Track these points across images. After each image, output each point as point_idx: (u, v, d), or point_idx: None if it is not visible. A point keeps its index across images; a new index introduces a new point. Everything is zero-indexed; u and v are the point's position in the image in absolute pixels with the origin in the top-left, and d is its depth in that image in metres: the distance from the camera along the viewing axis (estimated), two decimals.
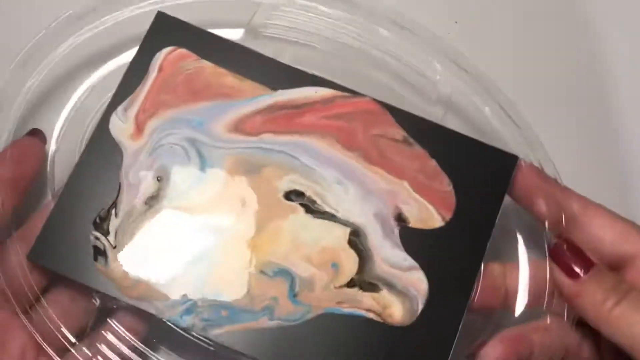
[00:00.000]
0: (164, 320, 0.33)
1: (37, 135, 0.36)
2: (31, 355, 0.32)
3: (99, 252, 0.33)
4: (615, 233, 0.34)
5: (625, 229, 0.34)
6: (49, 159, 0.35)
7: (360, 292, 0.34)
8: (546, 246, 0.34)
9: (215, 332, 0.33)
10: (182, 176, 0.35)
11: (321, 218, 0.34)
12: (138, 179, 0.34)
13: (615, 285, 0.32)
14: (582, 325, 0.34)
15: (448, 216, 0.35)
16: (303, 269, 0.34)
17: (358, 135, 0.35)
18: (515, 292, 0.35)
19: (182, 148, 0.35)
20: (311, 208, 0.35)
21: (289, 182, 0.35)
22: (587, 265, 0.33)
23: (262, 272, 0.34)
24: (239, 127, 0.35)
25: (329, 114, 0.36)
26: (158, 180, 0.34)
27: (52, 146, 0.36)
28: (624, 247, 0.34)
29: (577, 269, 0.33)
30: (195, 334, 0.33)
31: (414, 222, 0.34)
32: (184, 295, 0.33)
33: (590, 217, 0.35)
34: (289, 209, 0.34)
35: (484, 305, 0.35)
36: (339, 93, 0.36)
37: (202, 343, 0.33)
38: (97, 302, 0.33)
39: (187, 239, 0.34)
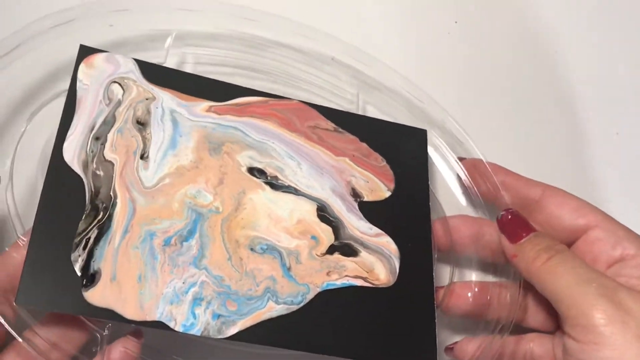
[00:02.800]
0: (178, 333, 0.31)
1: None
2: None
3: (87, 280, 0.31)
4: (572, 209, 0.38)
5: (580, 205, 0.38)
6: (7, 199, 0.32)
7: (342, 257, 0.35)
8: (495, 219, 0.38)
9: (232, 331, 0.32)
10: (159, 136, 0.35)
11: (287, 192, 0.36)
12: None
13: (549, 246, 0.35)
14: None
15: (391, 186, 0.38)
16: (287, 241, 0.35)
17: (295, 124, 0.38)
18: (461, 240, 0.39)
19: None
20: (275, 184, 0.36)
21: (248, 159, 0.36)
22: (527, 230, 0.36)
23: (252, 249, 0.34)
24: (212, 109, 0.37)
25: (266, 109, 0.38)
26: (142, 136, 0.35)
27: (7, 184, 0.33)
28: (578, 221, 0.37)
29: (519, 234, 0.36)
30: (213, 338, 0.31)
31: (367, 195, 0.38)
32: (185, 281, 0.32)
33: (549, 197, 0.38)
34: (256, 184, 0.36)
35: (440, 249, 0.39)
36: (271, 98, 0.39)
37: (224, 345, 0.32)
38: (106, 332, 0.30)
39: (171, 229, 0.33)
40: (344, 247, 0.36)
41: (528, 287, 0.37)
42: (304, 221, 0.36)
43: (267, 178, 0.36)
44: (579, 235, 0.37)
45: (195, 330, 0.31)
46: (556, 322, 0.38)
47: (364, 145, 0.39)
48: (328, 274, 0.35)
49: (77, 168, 0.33)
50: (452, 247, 0.39)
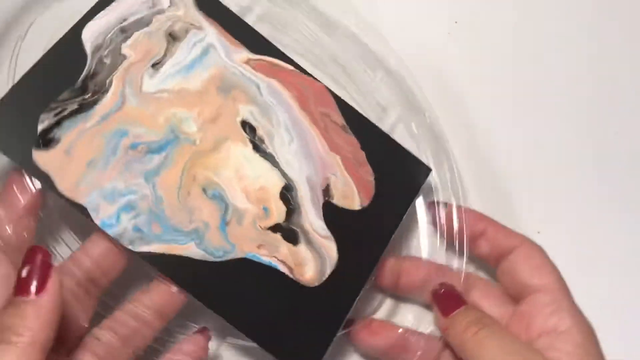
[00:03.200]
0: (97, 223, 0.33)
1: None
2: None
3: (43, 142, 0.33)
4: (532, 267, 0.38)
5: (541, 265, 0.38)
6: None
7: (281, 239, 0.36)
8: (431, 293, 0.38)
9: (143, 249, 0.33)
10: (181, 55, 0.37)
11: (264, 158, 0.37)
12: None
13: (478, 318, 0.36)
14: None
15: (366, 202, 0.38)
16: (240, 200, 0.36)
17: (310, 103, 0.39)
18: (408, 284, 0.39)
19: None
20: (259, 147, 0.37)
21: (247, 112, 0.37)
22: (459, 303, 0.37)
23: (204, 190, 0.35)
24: (250, 62, 0.38)
25: (292, 78, 0.39)
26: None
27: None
28: (530, 280, 0.37)
29: (451, 307, 0.37)
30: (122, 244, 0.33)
31: (337, 199, 0.38)
32: (127, 186, 0.34)
33: (519, 250, 0.38)
34: (242, 137, 0.37)
35: (380, 284, 0.39)
36: (301, 72, 0.40)
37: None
38: (34, 189, 0.32)
39: (144, 137, 0.35)
40: (288, 231, 0.36)
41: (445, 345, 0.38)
42: (265, 191, 0.36)
43: (254, 137, 0.37)
44: (528, 294, 0.37)
45: (111, 231, 0.33)
46: None
47: (362, 153, 0.39)
48: (259, 246, 0.35)
49: (88, 48, 0.35)
50: (396, 289, 0.40)
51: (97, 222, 0.33)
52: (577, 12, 0.48)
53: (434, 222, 0.40)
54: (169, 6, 0.37)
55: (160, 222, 0.34)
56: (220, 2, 0.39)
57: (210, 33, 0.38)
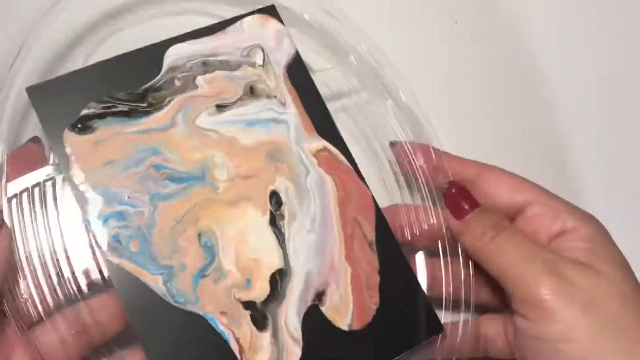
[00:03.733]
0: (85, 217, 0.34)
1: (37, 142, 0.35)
2: None
3: (80, 126, 0.35)
4: (508, 187, 0.37)
5: (516, 183, 0.37)
6: None
7: (248, 318, 0.34)
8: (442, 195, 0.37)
9: (112, 260, 0.33)
10: (248, 109, 0.38)
11: (275, 234, 0.36)
12: None
13: (495, 222, 0.35)
14: None
15: (356, 327, 0.36)
16: (228, 261, 0.35)
17: (349, 206, 0.37)
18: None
19: None
20: (275, 221, 0.36)
21: (283, 186, 0.37)
22: (473, 205, 0.36)
23: (199, 235, 0.35)
24: (318, 155, 0.38)
25: (346, 177, 0.38)
26: None
27: None
28: (515, 198, 0.37)
29: (464, 209, 0.36)
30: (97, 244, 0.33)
31: (327, 308, 0.36)
32: (130, 199, 0.34)
33: (485, 176, 0.37)
34: (265, 205, 0.36)
35: None
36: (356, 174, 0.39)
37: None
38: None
39: (173, 165, 0.35)
40: (260, 314, 0.34)
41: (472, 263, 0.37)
42: (258, 264, 0.35)
43: (276, 211, 0.36)
44: (518, 213, 0.37)
45: (91, 228, 0.33)
46: (503, 298, 0.37)
47: (377, 278, 0.37)
48: (222, 313, 0.34)
49: (165, 65, 0.37)
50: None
51: (84, 216, 0.33)
52: (577, 12, 0.48)
53: (398, 161, 0.39)
54: (262, 68, 0.38)
55: (142, 243, 0.34)
56: (312, 83, 0.39)
57: (291, 113, 0.38)
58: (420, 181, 0.39)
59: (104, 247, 0.33)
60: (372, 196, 0.38)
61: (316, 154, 0.38)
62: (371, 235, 0.37)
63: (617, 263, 0.34)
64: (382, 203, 0.39)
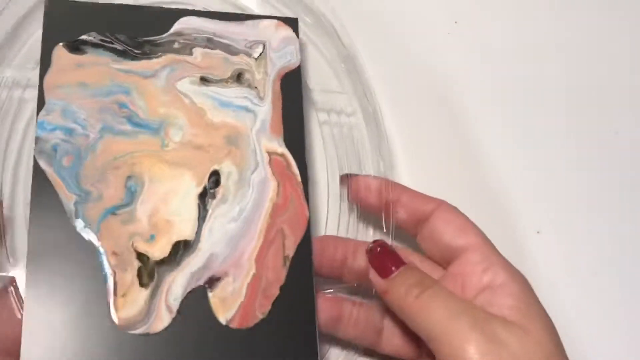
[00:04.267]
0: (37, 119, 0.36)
1: None
2: None
3: (74, 46, 0.38)
4: (454, 228, 0.37)
5: (462, 225, 0.37)
6: None
7: (136, 268, 0.35)
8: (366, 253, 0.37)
9: (41, 163, 0.36)
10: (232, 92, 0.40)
11: (198, 209, 0.37)
12: None
13: (420, 280, 0.35)
14: None
15: (233, 326, 0.35)
16: (143, 212, 0.36)
17: (279, 217, 0.38)
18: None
19: None
20: (205, 198, 0.37)
21: (227, 170, 0.37)
22: (397, 264, 0.36)
23: (129, 177, 0.36)
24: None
25: (292, 191, 0.39)
26: None
27: None
28: (457, 241, 0.37)
29: (389, 268, 0.36)
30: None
31: (214, 295, 0.35)
32: (84, 120, 0.37)
33: (438, 213, 0.37)
34: (202, 179, 0.37)
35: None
36: (303, 191, 0.39)
37: None
38: None
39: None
40: (148, 272, 0.35)
41: (386, 310, 0.37)
42: (169, 226, 0.36)
43: (210, 188, 0.37)
44: (456, 256, 0.37)
45: (38, 132, 0.36)
46: (414, 350, 0.37)
47: (278, 292, 0.36)
48: (114, 253, 0.35)
49: (172, 29, 0.40)
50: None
51: (39, 118, 0.36)
52: (578, 12, 0.48)
53: (348, 195, 0.40)
54: (256, 59, 0.40)
55: (74, 161, 0.36)
56: (300, 96, 0.40)
57: (264, 109, 0.39)
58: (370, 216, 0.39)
59: (39, 151, 0.36)
60: (309, 218, 0.38)
61: (271, 154, 0.39)
62: (290, 251, 0.37)
63: (544, 323, 0.34)
64: (331, 230, 0.40)
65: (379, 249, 0.37)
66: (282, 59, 0.40)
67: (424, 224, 0.38)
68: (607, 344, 0.39)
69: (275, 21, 0.41)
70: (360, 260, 0.38)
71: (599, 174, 0.45)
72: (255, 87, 0.39)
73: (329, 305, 0.38)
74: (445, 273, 0.37)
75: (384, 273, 0.36)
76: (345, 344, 0.38)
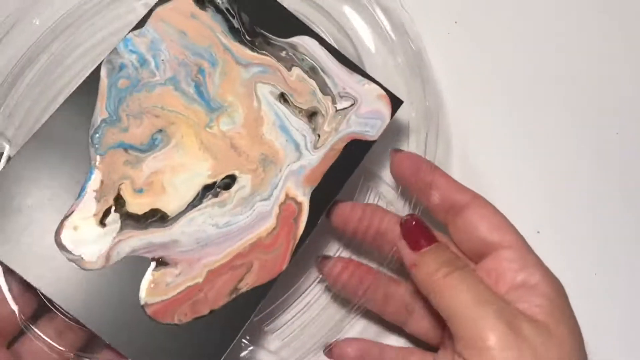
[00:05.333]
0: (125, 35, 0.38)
1: None
2: None
3: None
4: (490, 224, 0.36)
5: (498, 222, 0.36)
6: None
7: (108, 207, 0.36)
8: (399, 225, 0.36)
9: (103, 69, 0.38)
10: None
11: (196, 195, 0.37)
12: None
13: (451, 260, 0.35)
14: None
15: (147, 311, 0.35)
16: (150, 167, 0.37)
17: (266, 249, 0.37)
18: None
19: None
20: (208, 190, 0.37)
21: (246, 181, 0.37)
22: (430, 240, 0.35)
23: (160, 130, 0.37)
24: None
25: None
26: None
27: None
28: (492, 237, 0.36)
29: (421, 243, 0.35)
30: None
31: (152, 274, 0.35)
32: (162, 60, 0.38)
33: (474, 207, 0.37)
34: (216, 175, 0.37)
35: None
36: None
37: None
38: None
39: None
40: (115, 216, 0.36)
41: (418, 291, 0.37)
42: (160, 193, 0.36)
43: (217, 186, 0.37)
44: (490, 252, 0.36)
45: (119, 45, 0.38)
46: (439, 334, 0.37)
47: (205, 312, 0.35)
48: (102, 181, 0.36)
49: (289, 40, 0.40)
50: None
51: (128, 35, 0.38)
52: (578, 12, 0.48)
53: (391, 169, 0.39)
54: (337, 110, 0.39)
55: (126, 87, 0.37)
56: (358, 162, 0.39)
57: (310, 160, 0.38)
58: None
59: (108, 59, 0.37)
60: (281, 272, 0.37)
61: (288, 198, 0.37)
62: (245, 287, 0.36)
63: (571, 327, 0.34)
64: None
65: (413, 222, 0.36)
66: (360, 127, 0.39)
67: (458, 214, 0.37)
68: (607, 344, 0.40)
69: (382, 91, 0.40)
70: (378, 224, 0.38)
71: (599, 174, 0.45)
72: (318, 135, 0.39)
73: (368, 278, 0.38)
74: (476, 267, 0.36)
75: (416, 246, 0.35)
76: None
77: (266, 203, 0.37)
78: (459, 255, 0.36)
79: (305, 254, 0.38)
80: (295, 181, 0.38)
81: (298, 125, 0.39)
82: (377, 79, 0.40)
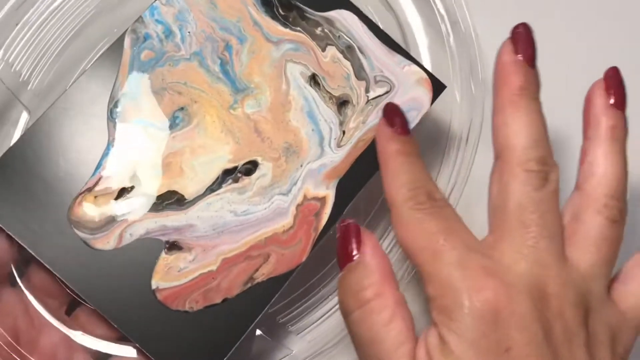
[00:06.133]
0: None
1: None
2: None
3: None
4: None
5: None
6: None
7: (121, 181, 0.35)
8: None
9: (125, 41, 0.36)
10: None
11: (215, 180, 0.35)
12: None
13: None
14: None
15: (158, 296, 0.34)
16: (168, 148, 0.35)
17: (285, 243, 0.35)
18: None
19: None
20: (228, 174, 0.35)
21: (267, 169, 0.35)
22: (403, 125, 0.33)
23: (181, 107, 0.35)
24: None
25: None
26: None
27: None
28: None
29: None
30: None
31: (165, 258, 0.34)
32: (188, 32, 0.36)
33: None
34: (237, 160, 0.35)
35: None
36: None
37: None
38: None
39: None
40: (125, 191, 0.34)
41: None
42: (175, 173, 0.35)
43: (238, 172, 0.35)
44: None
45: (146, 14, 0.35)
46: None
47: (219, 300, 0.34)
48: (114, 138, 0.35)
49: (327, 15, 0.37)
50: None
51: (155, 3, 0.36)
52: (578, 12, 0.48)
53: None
54: (368, 100, 0.37)
55: (151, 60, 0.35)
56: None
57: (332, 158, 0.36)
58: None
59: (133, 29, 0.35)
60: (301, 264, 0.35)
61: (307, 199, 0.35)
62: (260, 277, 0.35)
63: None
64: None
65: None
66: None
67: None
68: None
69: (424, 74, 0.37)
70: None
71: None
72: (343, 132, 0.36)
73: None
74: None
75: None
76: None
77: (284, 199, 0.35)
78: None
79: (327, 246, 0.36)
80: (314, 181, 0.36)
81: (326, 114, 0.36)
82: (420, 60, 0.37)
